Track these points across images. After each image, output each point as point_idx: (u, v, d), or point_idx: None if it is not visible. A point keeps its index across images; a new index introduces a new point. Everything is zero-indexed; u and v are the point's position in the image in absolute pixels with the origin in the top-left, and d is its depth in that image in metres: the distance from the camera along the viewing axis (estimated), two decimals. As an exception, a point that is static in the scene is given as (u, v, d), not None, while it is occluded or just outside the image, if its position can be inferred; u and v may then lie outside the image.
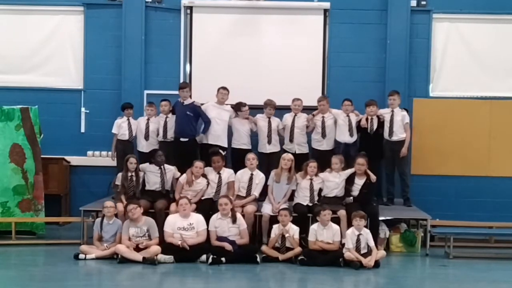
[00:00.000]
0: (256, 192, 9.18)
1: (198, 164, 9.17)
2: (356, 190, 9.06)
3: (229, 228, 8.45)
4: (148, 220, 8.47)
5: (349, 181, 9.11)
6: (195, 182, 9.15)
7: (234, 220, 8.46)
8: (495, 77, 11.01)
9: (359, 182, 9.07)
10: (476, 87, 11.03)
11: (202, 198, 9.12)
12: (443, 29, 11.05)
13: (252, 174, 9.22)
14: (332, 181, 9.12)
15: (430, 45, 11.02)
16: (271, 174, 9.22)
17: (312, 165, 9.11)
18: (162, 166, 9.31)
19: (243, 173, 9.28)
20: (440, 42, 11.05)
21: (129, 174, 9.22)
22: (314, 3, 11.08)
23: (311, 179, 9.10)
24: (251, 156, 9.31)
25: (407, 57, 10.87)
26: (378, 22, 10.98)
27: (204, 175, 9.22)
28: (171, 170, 9.38)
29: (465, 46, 11.03)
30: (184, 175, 9.21)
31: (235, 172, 9.37)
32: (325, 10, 11.05)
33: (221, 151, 9.56)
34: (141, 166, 9.42)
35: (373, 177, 9.06)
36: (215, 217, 8.52)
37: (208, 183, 9.19)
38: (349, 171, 9.15)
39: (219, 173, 9.24)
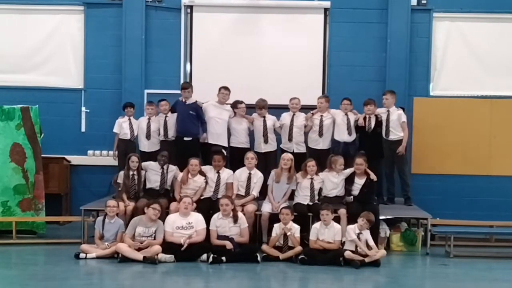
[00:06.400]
0: (254, 191, 9.18)
1: (194, 161, 9.17)
2: (356, 189, 9.06)
3: (230, 227, 8.45)
4: (158, 222, 8.43)
5: (349, 181, 9.11)
6: (192, 180, 9.15)
7: (235, 220, 8.46)
8: (495, 76, 11.00)
9: (359, 181, 9.07)
10: (476, 86, 11.02)
11: (202, 197, 9.11)
12: (444, 28, 11.04)
13: (250, 173, 9.21)
14: (331, 181, 9.11)
15: (431, 44, 11.02)
16: (271, 173, 9.22)
17: (311, 164, 9.11)
18: (164, 166, 9.31)
19: (241, 172, 9.27)
20: (440, 41, 11.04)
21: (131, 172, 9.23)
22: (315, 2, 11.08)
23: (311, 179, 9.10)
24: (250, 155, 9.30)
25: (407, 56, 10.86)
26: (379, 21, 10.98)
27: (202, 173, 9.22)
28: (173, 170, 9.38)
29: (465, 45, 11.03)
30: (181, 173, 9.22)
31: (233, 171, 9.37)
32: (326, 9, 11.05)
33: (223, 151, 9.56)
34: (144, 164, 9.42)
35: (373, 176, 9.06)
36: (216, 217, 8.51)
37: (207, 181, 9.19)
38: (349, 171, 9.14)
39: (218, 172, 9.24)
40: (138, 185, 9.24)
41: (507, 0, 10.98)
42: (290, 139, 9.95)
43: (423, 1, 10.96)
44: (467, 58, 11.02)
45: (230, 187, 9.21)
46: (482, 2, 10.97)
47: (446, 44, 11.05)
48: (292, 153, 9.71)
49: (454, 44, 11.04)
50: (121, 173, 9.33)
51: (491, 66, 10.99)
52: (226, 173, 9.30)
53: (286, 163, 9.11)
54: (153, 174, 9.33)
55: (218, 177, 9.22)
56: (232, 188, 9.19)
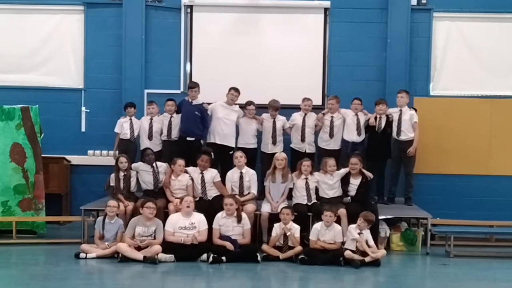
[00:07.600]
0: (253, 189, 9.17)
1: (180, 162, 9.13)
2: (353, 190, 9.05)
3: (233, 227, 8.45)
4: (157, 221, 8.44)
5: (345, 181, 9.09)
6: (177, 180, 9.12)
7: (239, 220, 8.46)
8: (495, 75, 11.01)
9: (355, 182, 9.04)
10: (476, 85, 11.02)
11: (196, 199, 9.03)
12: (444, 27, 11.04)
13: (241, 172, 9.20)
14: (326, 183, 9.08)
15: (431, 43, 11.02)
16: (266, 175, 9.20)
17: (306, 164, 9.10)
18: (153, 164, 9.30)
19: (233, 172, 9.26)
20: (440, 41, 11.04)
21: (121, 173, 9.21)
22: (315, 2, 11.08)
23: (306, 178, 9.09)
24: (238, 154, 9.29)
25: (407, 55, 10.86)
26: (379, 21, 10.98)
27: (186, 171, 9.19)
28: (162, 166, 9.37)
29: (465, 45, 11.03)
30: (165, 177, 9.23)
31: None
32: (326, 9, 11.05)
33: (212, 152, 9.45)
34: (133, 165, 9.41)
35: (369, 175, 9.05)
36: (220, 216, 8.50)
37: (192, 179, 9.15)
38: (343, 171, 9.13)
39: (202, 173, 9.20)
40: (126, 184, 9.18)
41: (507, 0, 10.97)
42: (302, 140, 9.93)
43: (423, 1, 10.96)
44: (467, 58, 11.02)
45: (220, 186, 9.20)
46: (482, 2, 10.97)
47: (446, 44, 11.05)
48: (304, 153, 9.76)
49: (454, 44, 11.04)
50: (112, 176, 9.30)
51: (491, 66, 10.99)
52: (210, 173, 9.24)
53: (280, 163, 9.10)
54: (145, 174, 9.30)
55: (202, 177, 9.18)
56: (223, 187, 9.18)
